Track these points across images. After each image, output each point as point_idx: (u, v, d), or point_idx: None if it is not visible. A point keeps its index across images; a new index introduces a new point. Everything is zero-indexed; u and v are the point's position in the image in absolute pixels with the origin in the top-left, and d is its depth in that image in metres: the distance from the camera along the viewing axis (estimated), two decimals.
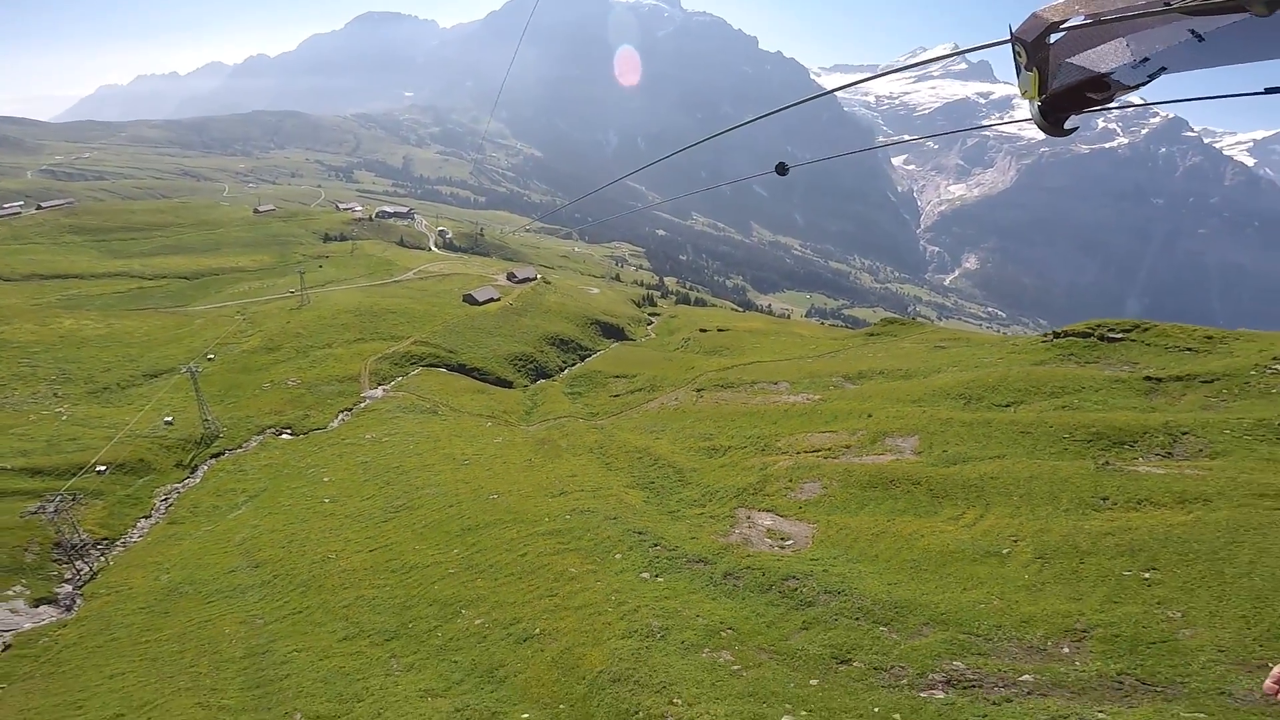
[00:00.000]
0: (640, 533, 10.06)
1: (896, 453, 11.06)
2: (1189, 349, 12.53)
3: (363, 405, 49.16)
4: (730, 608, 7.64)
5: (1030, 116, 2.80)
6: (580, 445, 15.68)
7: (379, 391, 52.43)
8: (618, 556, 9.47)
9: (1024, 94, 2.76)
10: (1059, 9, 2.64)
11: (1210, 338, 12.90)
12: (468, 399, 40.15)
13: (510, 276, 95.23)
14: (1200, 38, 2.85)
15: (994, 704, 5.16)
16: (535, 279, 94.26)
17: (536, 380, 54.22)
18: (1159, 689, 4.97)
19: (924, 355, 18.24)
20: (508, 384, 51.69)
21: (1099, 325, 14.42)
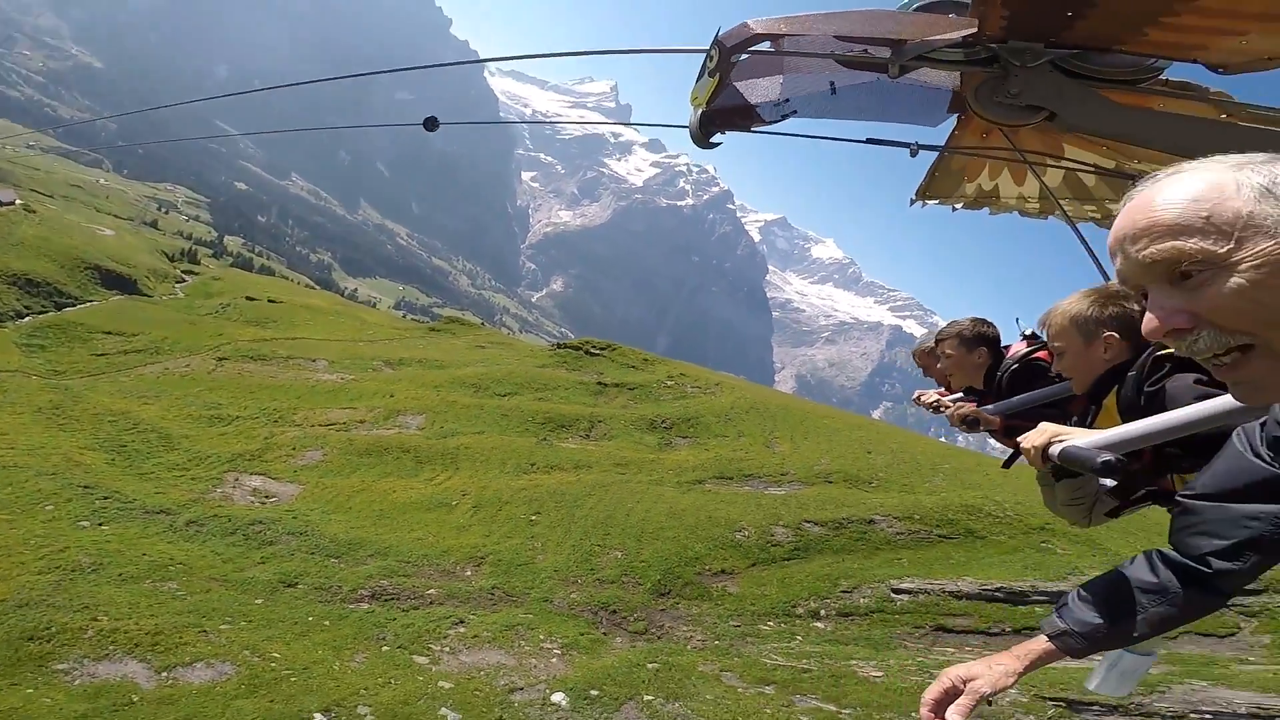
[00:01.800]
0: (88, 487, 8.67)
1: (403, 427, 12.42)
2: (633, 366, 17.37)
3: None
4: (186, 549, 7.36)
5: (689, 122, 2.95)
6: (24, 403, 12.27)
7: None
8: (49, 508, 7.94)
9: (694, 100, 2.88)
10: (767, 24, 2.81)
11: (647, 359, 18.12)
12: None
13: None
14: (834, 90, 3.23)
15: (403, 610, 6.61)
16: (12, 203, 67.97)
17: None
18: (514, 597, 7.12)
19: (464, 351, 20.36)
20: None
21: (586, 342, 18.74)
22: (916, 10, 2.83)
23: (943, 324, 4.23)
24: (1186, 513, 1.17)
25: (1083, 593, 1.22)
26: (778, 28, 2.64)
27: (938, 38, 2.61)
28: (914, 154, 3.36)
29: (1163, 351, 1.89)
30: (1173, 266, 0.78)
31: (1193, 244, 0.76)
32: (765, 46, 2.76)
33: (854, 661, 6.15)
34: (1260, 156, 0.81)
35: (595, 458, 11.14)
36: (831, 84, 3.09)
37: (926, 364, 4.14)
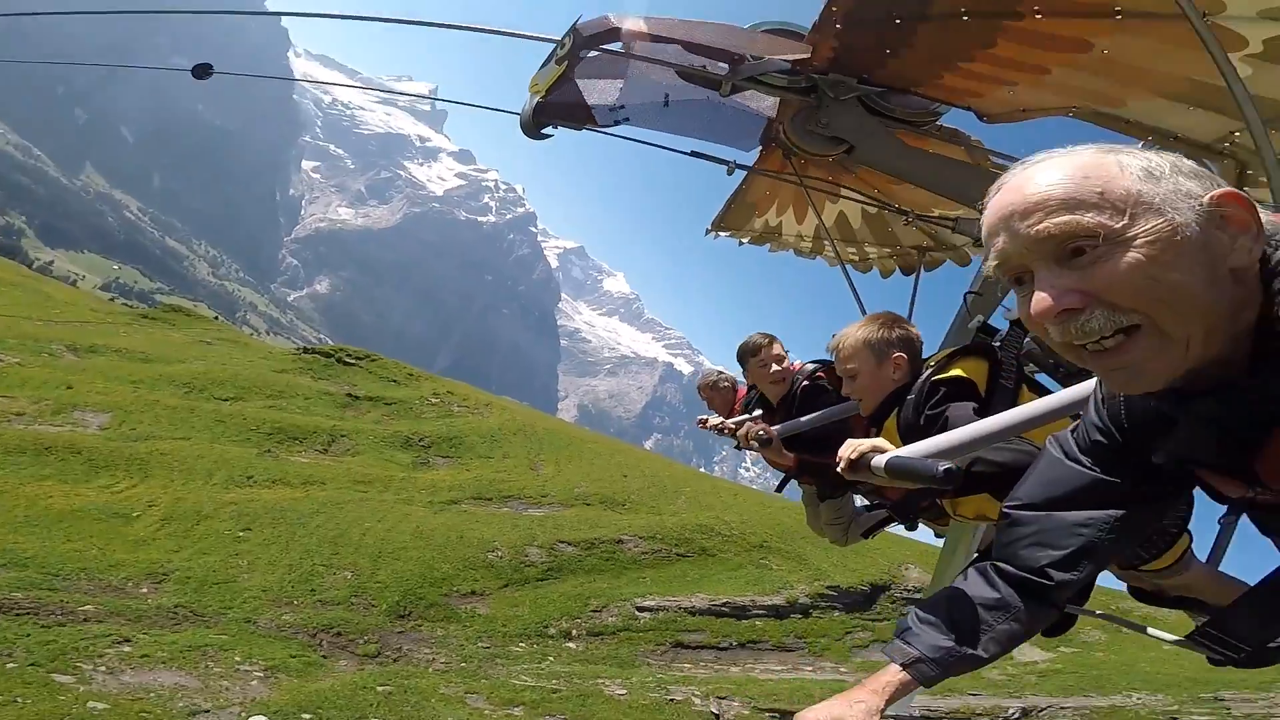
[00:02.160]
0: None
1: (79, 425, 9.93)
2: (394, 380, 16.03)
3: None
4: None
5: (522, 109, 2.82)
6: None
7: None
8: None
9: (533, 86, 2.76)
10: (628, 21, 2.72)
11: (412, 374, 16.86)
12: None
13: None
14: (667, 103, 3.20)
15: (43, 626, 5.30)
16: None
17: None
18: (203, 617, 5.93)
19: (182, 346, 17.00)
20: None
21: (340, 350, 16.89)
22: (763, 31, 3.00)
23: (707, 364, 4.49)
24: (1016, 524, 1.12)
25: (922, 614, 1.12)
26: (638, 26, 2.69)
27: (776, 57, 2.76)
28: (730, 172, 3.51)
29: (938, 376, 2.00)
30: (1067, 241, 0.75)
31: (1089, 218, 0.74)
32: (616, 46, 2.82)
33: (601, 680, 6.10)
34: (1123, 145, 0.80)
35: (332, 474, 9.90)
36: (666, 96, 3.19)
37: (709, 397, 4.25)
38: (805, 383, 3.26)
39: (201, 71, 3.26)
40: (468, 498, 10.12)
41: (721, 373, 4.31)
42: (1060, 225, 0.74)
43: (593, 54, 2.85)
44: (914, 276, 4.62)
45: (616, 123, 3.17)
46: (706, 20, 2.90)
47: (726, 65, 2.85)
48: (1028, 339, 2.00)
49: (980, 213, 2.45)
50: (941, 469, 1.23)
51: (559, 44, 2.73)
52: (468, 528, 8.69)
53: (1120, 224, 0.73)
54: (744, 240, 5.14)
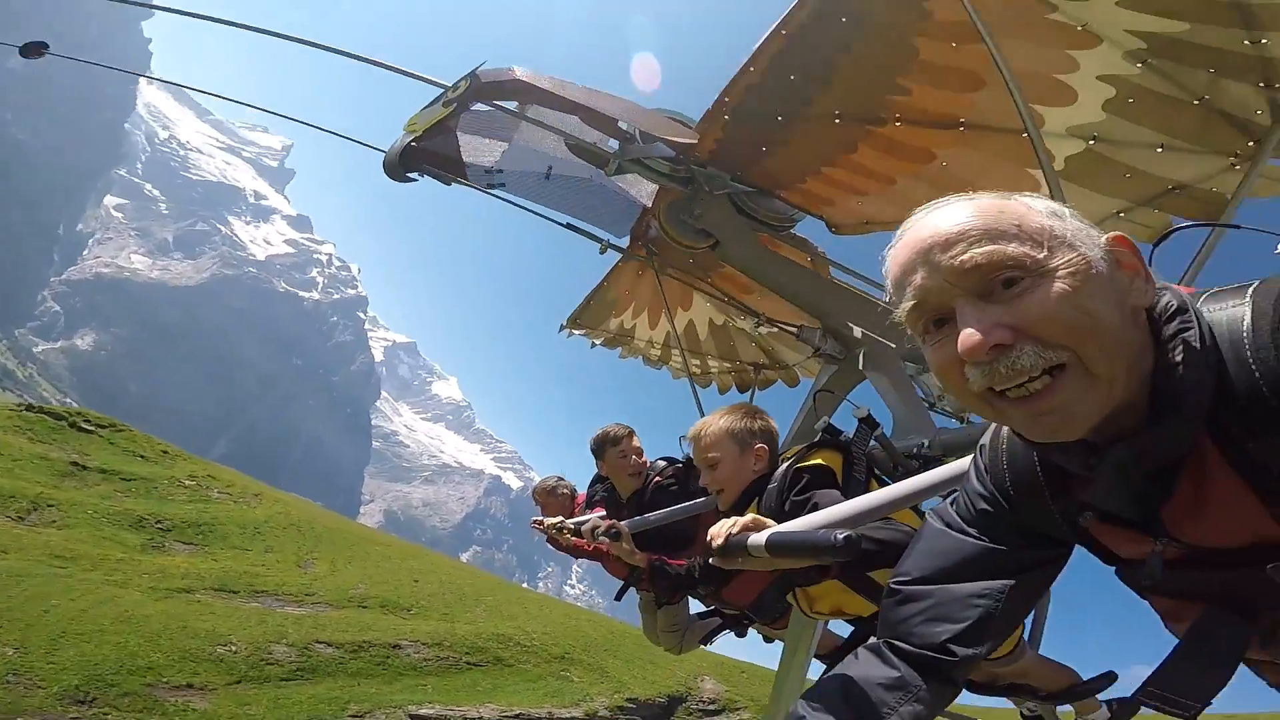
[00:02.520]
0: None
1: None
2: (142, 455, 13.56)
3: None
4: None
5: (392, 147, 2.58)
6: None
7: None
8: None
9: (410, 125, 2.53)
10: (532, 77, 2.55)
11: (166, 452, 14.40)
12: None
13: None
14: (548, 175, 3.18)
15: None
16: None
17: None
18: None
19: None
20: None
21: (79, 414, 14.17)
22: (661, 112, 3.07)
23: (538, 479, 4.26)
24: (909, 600, 1.03)
25: (814, 704, 0.99)
26: (541, 83, 2.64)
27: (667, 138, 2.81)
28: (603, 250, 3.50)
29: (801, 464, 2.00)
30: (993, 272, 0.72)
31: (1013, 248, 0.73)
32: (512, 105, 2.81)
33: None
34: (1020, 193, 0.81)
35: (23, 544, 7.75)
36: (549, 168, 3.19)
37: (546, 503, 4.12)
38: (658, 479, 3.23)
39: (33, 50, 2.90)
40: (206, 588, 8.43)
41: (561, 479, 4.23)
42: (987, 254, 0.72)
43: (483, 108, 2.76)
44: (749, 394, 4.93)
45: (490, 186, 3.08)
46: (607, 92, 2.92)
47: (617, 143, 2.90)
48: (873, 439, 2.09)
49: (822, 323, 2.77)
50: (840, 537, 1.11)
51: (452, 87, 2.63)
52: (197, 619, 7.18)
53: (1042, 255, 0.73)
54: (597, 341, 5.12)
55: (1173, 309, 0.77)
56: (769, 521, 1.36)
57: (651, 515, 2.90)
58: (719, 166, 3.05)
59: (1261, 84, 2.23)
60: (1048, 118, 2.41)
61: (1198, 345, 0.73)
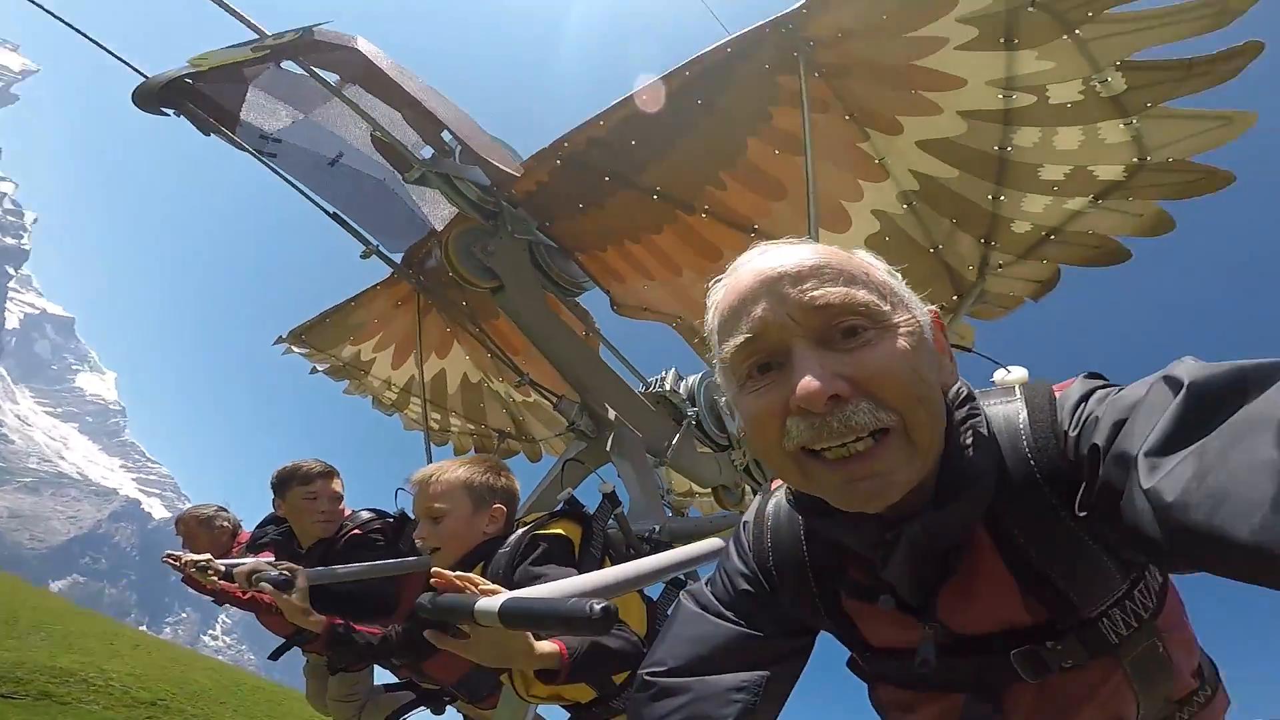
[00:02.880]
0: None
1: None
2: None
3: None
4: None
5: (160, 74, 2.33)
6: None
7: None
8: None
9: (195, 60, 2.35)
10: (373, 52, 2.34)
11: None
12: None
13: None
14: (335, 162, 2.85)
15: None
16: None
17: None
18: None
19: None
20: None
21: None
22: (493, 139, 2.87)
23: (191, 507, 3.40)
24: (666, 694, 0.90)
25: None
26: (380, 62, 2.36)
27: (492, 162, 2.58)
28: (366, 255, 3.11)
29: (540, 531, 1.83)
30: (842, 316, 0.68)
31: (863, 294, 0.69)
32: (331, 77, 2.53)
33: None
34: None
35: None
36: (340, 155, 2.91)
37: (195, 534, 3.29)
38: (356, 531, 2.75)
39: None
40: None
41: (223, 509, 3.45)
42: (841, 295, 0.69)
43: (295, 70, 2.53)
44: None
45: (260, 152, 2.76)
46: (448, 98, 2.72)
47: (432, 151, 2.71)
48: (612, 517, 2.05)
49: (582, 397, 2.74)
50: (598, 607, 0.93)
51: (275, 35, 2.36)
52: None
53: (886, 309, 0.71)
54: (320, 367, 4.46)
55: (964, 395, 0.78)
56: (495, 586, 1.20)
57: (341, 568, 2.48)
58: (530, 210, 2.97)
59: (982, 239, 2.63)
60: (823, 240, 2.81)
61: (985, 433, 0.76)
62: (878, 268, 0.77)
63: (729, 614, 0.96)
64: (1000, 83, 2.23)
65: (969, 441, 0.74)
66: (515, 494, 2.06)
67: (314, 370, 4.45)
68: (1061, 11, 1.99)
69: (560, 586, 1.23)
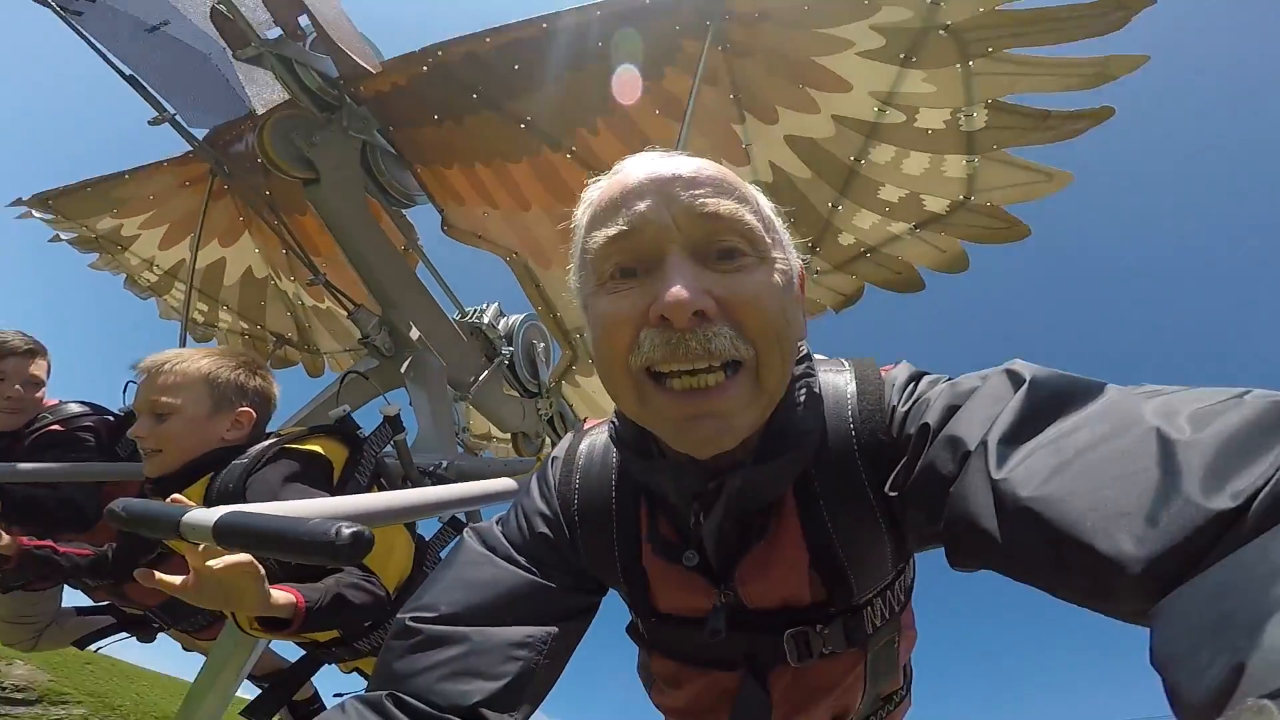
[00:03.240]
0: None
1: None
2: None
3: None
4: None
5: None
6: None
7: None
8: None
9: None
10: None
11: None
12: None
13: None
14: (157, 29, 2.68)
15: None
16: None
17: None
18: None
19: None
20: None
21: None
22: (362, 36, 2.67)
23: None
24: (434, 644, 0.73)
25: None
26: None
27: (349, 54, 2.36)
28: (157, 122, 2.69)
29: (295, 445, 1.56)
30: (726, 232, 0.64)
31: (751, 218, 0.66)
32: None
33: None
34: None
35: None
36: (163, 23, 2.67)
37: None
38: (56, 427, 2.28)
39: None
40: None
41: None
42: (730, 209, 0.64)
43: None
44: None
45: (64, 9, 2.48)
46: None
47: (281, 32, 2.48)
48: (392, 443, 1.83)
49: (384, 312, 2.54)
50: (348, 531, 0.72)
51: None
52: None
53: (770, 241, 0.67)
54: (65, 236, 3.78)
55: (803, 353, 0.76)
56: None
57: (27, 466, 2.01)
58: (377, 111, 2.72)
59: (809, 243, 2.71)
60: None
61: (817, 394, 0.74)
62: (765, 204, 0.73)
63: (520, 558, 0.83)
64: (882, 96, 2.32)
65: (801, 399, 0.72)
66: (271, 399, 1.73)
67: (55, 239, 3.75)
68: (967, 41, 2.07)
69: (304, 506, 1.01)
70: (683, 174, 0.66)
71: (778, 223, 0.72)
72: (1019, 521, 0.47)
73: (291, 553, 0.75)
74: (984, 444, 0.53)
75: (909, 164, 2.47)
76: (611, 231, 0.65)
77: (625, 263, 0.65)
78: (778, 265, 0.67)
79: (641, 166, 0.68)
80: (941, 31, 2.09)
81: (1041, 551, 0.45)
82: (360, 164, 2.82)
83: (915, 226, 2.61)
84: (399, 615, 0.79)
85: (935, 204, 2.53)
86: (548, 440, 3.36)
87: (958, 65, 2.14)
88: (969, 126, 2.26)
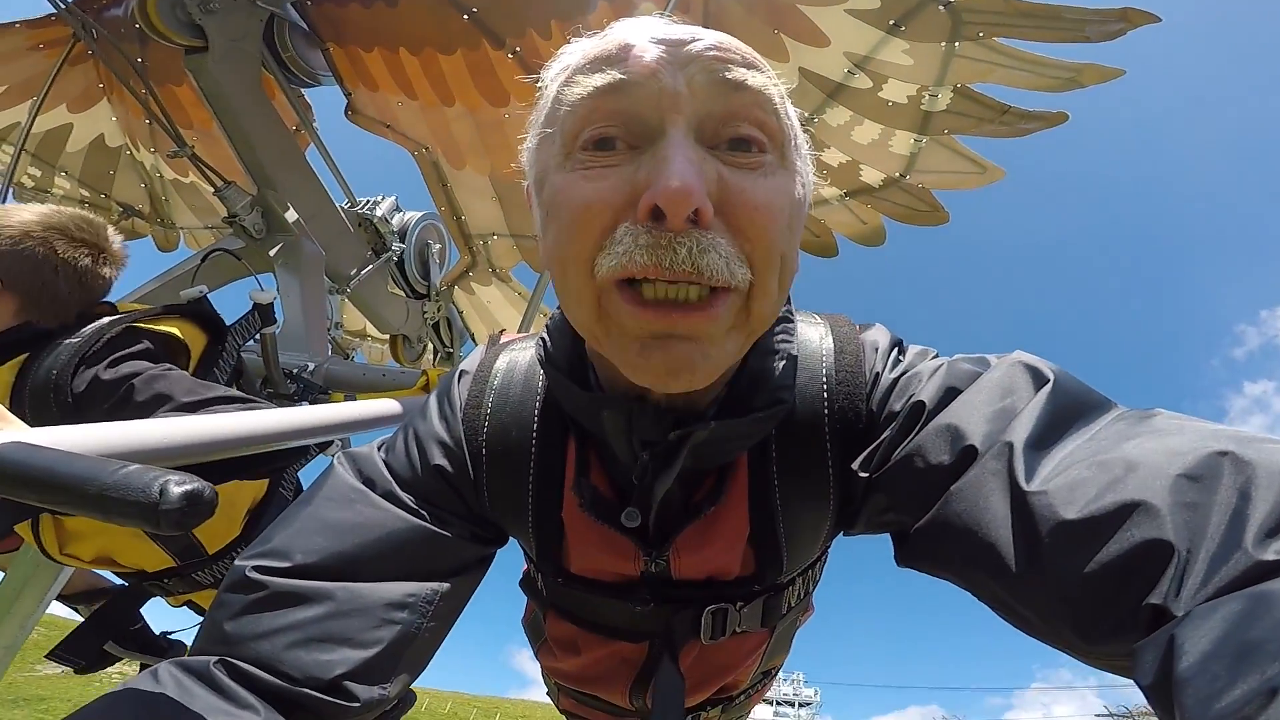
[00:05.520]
0: None
1: None
2: None
3: None
4: None
5: None
6: None
7: None
8: None
9: None
10: None
11: None
12: None
13: None
14: None
15: None
16: None
17: None
18: None
19: None
20: None
21: None
22: None
23: None
24: (286, 602, 0.54)
25: None
26: None
27: None
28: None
29: (145, 325, 1.22)
30: (745, 115, 0.48)
31: (780, 104, 0.51)
32: None
33: None
34: None
35: None
36: None
37: None
38: None
39: None
40: None
41: None
42: (760, 83, 0.50)
43: None
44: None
45: None
46: None
47: None
48: (257, 335, 1.53)
49: (259, 190, 2.15)
50: (177, 490, 0.42)
51: None
52: None
53: (792, 143, 0.53)
54: None
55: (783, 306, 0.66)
56: (11, 417, 0.69)
57: None
58: None
59: None
60: None
61: (795, 354, 0.63)
62: (789, 102, 0.57)
63: (405, 497, 0.64)
64: (856, 58, 2.23)
65: (778, 346, 0.61)
66: (113, 258, 1.37)
67: None
68: (964, 21, 2.02)
69: (125, 432, 0.71)
70: (703, 38, 0.50)
71: (798, 130, 0.56)
72: (1057, 541, 0.40)
73: (88, 510, 0.46)
74: (1008, 445, 0.45)
75: (859, 132, 2.42)
76: (600, 81, 0.49)
77: (608, 128, 0.49)
78: (798, 175, 0.53)
79: (649, 24, 0.51)
80: (941, 6, 2.02)
81: (1073, 581, 0.39)
82: (262, 36, 2.49)
83: (845, 194, 2.58)
84: (238, 562, 0.59)
85: (871, 176, 2.51)
86: (429, 346, 3.12)
87: (943, 43, 2.08)
88: (930, 106, 2.22)
